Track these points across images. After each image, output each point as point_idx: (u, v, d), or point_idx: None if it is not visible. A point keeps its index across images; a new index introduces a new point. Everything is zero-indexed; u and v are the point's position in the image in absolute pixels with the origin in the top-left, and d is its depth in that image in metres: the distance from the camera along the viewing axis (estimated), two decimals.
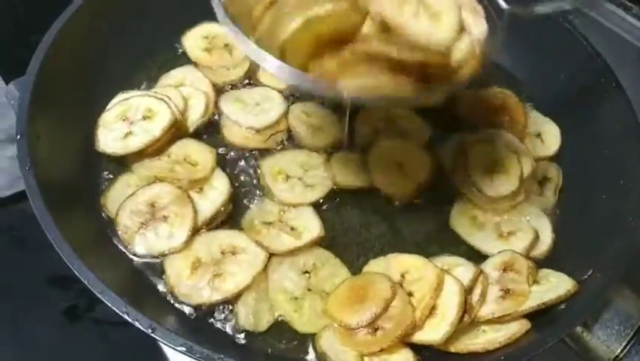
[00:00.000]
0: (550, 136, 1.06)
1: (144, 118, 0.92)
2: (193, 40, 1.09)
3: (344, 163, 0.96)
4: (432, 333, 0.76)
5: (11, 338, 1.35)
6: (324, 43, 0.68)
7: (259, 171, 0.95)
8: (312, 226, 0.88)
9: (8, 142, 1.36)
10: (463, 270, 0.83)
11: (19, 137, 0.79)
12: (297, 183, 0.94)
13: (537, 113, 1.09)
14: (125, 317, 0.68)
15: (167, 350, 0.82)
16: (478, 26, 0.71)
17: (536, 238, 0.92)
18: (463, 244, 0.92)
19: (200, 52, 1.07)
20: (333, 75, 0.67)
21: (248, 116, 1.00)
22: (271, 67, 0.68)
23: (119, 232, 0.84)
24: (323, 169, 0.96)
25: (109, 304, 0.69)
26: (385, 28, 0.67)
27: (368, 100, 0.80)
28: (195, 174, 0.90)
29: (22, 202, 1.40)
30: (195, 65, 1.07)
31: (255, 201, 0.93)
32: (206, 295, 0.81)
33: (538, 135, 1.06)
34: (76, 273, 0.70)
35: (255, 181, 0.95)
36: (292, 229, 0.88)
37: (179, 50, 1.10)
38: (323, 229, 0.88)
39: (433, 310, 0.78)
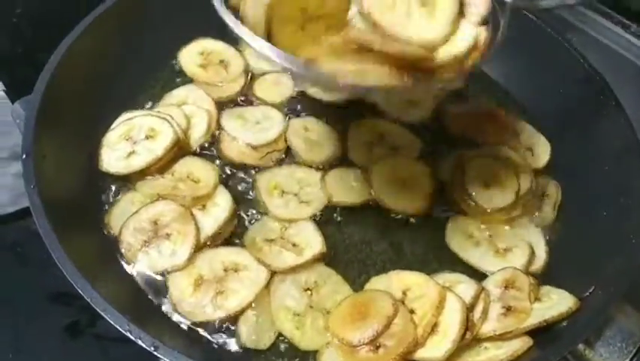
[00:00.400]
0: (539, 147, 1.07)
1: (147, 137, 0.93)
2: (188, 56, 1.10)
3: (340, 180, 0.97)
4: (434, 350, 0.76)
5: (13, 353, 1.35)
6: (311, 24, 0.69)
7: (255, 185, 0.95)
8: (313, 242, 0.88)
9: (12, 159, 1.37)
10: (464, 287, 0.83)
11: (24, 156, 0.80)
12: (292, 198, 0.94)
13: (531, 128, 1.10)
14: (128, 335, 0.68)
15: None
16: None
17: (532, 253, 0.92)
18: (463, 261, 0.92)
19: (195, 68, 1.08)
20: (317, 59, 0.66)
21: (247, 133, 1.00)
22: (259, 46, 0.66)
23: (122, 250, 0.85)
24: (319, 186, 0.96)
25: (112, 323, 0.69)
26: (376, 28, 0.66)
27: (348, 85, 0.78)
28: (198, 191, 0.91)
29: (25, 219, 1.40)
30: (193, 81, 1.08)
31: (257, 217, 0.93)
32: (209, 312, 0.81)
33: (529, 148, 1.07)
34: (79, 291, 0.70)
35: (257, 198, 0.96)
36: (294, 245, 0.88)
37: (180, 69, 1.10)
38: (325, 245, 0.88)
39: (434, 327, 0.78)
